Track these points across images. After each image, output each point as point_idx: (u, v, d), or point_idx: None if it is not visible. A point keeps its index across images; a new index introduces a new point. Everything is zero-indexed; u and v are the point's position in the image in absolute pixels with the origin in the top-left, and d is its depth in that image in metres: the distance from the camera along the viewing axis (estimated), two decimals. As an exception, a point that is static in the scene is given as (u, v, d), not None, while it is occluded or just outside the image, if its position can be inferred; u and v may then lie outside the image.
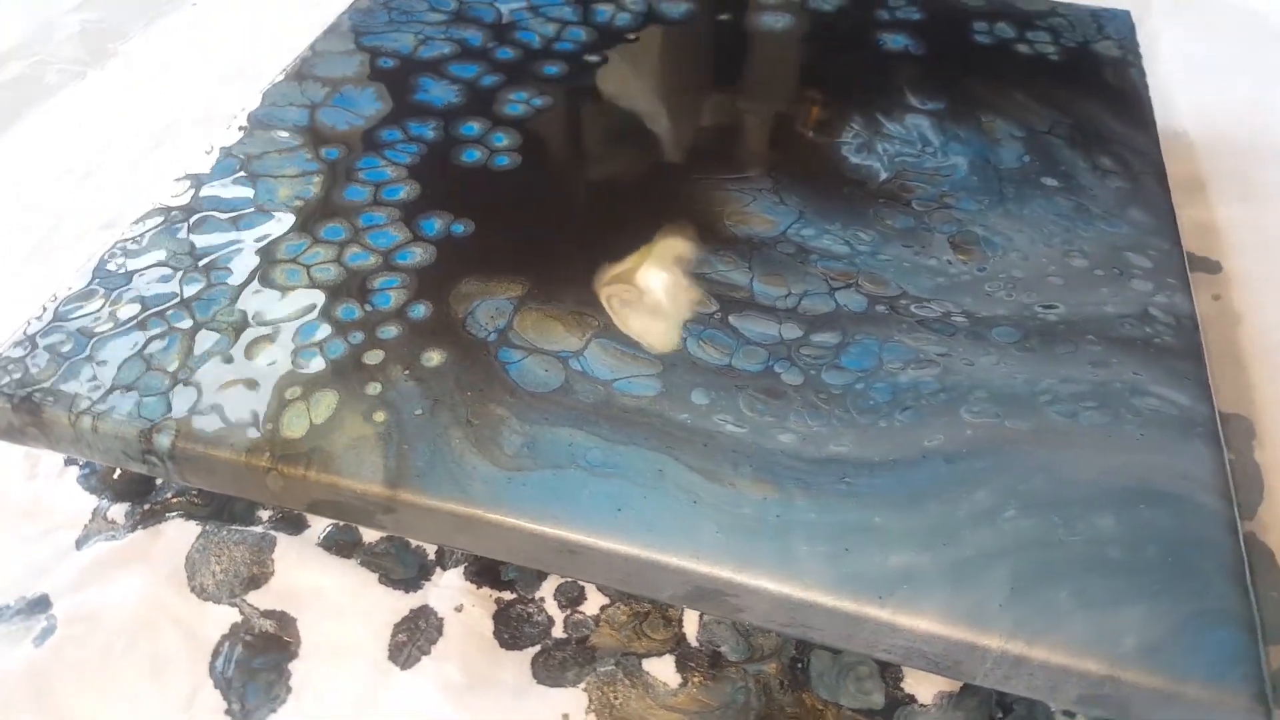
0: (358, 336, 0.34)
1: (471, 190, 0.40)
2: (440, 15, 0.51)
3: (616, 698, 0.31)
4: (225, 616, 0.33)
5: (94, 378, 0.32)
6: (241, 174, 0.40)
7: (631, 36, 0.50)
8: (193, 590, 0.34)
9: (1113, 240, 0.38)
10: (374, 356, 0.33)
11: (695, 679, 0.32)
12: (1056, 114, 0.45)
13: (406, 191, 0.40)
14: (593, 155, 0.44)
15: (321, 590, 0.34)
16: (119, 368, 0.32)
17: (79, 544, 0.35)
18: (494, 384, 0.32)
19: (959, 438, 0.30)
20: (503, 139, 0.43)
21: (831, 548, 0.27)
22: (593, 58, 0.48)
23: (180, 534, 0.35)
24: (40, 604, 0.33)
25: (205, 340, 0.33)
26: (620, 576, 0.29)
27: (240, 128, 0.43)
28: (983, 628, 0.26)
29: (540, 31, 0.50)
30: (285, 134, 0.43)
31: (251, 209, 0.39)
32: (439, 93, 0.45)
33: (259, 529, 0.35)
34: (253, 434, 0.30)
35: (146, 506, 0.36)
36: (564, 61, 0.48)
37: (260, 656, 0.32)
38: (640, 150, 0.44)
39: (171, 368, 0.32)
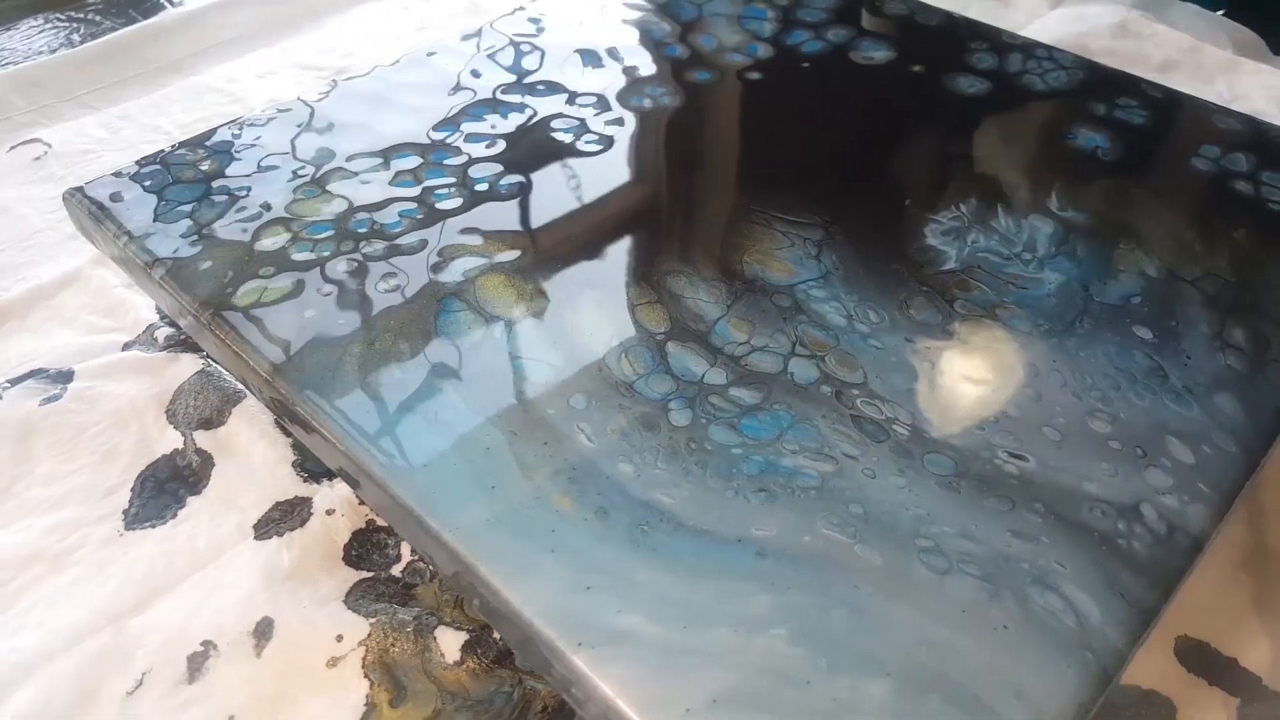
0: (349, 246, 0.39)
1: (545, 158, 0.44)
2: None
3: (394, 645, 0.33)
4: (174, 441, 0.41)
5: (146, 210, 0.41)
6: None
7: (805, 65, 0.51)
8: (165, 412, 0.42)
9: (1168, 420, 0.32)
10: (342, 266, 0.38)
11: (470, 664, 0.33)
12: (1223, 269, 0.38)
13: (486, 149, 0.45)
14: (672, 164, 0.46)
15: (249, 453, 0.40)
16: (163, 210, 0.41)
17: (124, 347, 0.45)
18: (418, 323, 0.36)
19: (791, 540, 0.29)
20: (603, 123, 0.46)
21: (578, 579, 0.28)
22: (752, 75, 0.50)
23: (188, 368, 0.44)
24: (64, 376, 0.43)
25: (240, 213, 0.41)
26: (395, 520, 0.31)
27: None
28: (660, 713, 0.25)
29: (722, 39, 0.53)
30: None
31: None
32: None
33: (237, 384, 0.42)
34: (208, 288, 0.37)
35: (182, 337, 0.45)
36: (718, 71, 0.50)
37: (173, 481, 0.39)
38: (717, 172, 0.45)
39: (203, 225, 0.40)
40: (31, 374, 0.43)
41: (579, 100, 0.48)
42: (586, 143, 0.45)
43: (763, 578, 0.28)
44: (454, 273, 0.38)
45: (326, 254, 0.39)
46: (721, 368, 0.34)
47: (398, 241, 0.39)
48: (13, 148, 0.57)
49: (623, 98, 0.48)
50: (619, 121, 0.46)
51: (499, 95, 0.48)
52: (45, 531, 0.37)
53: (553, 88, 0.49)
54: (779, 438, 0.32)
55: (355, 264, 0.38)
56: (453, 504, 0.30)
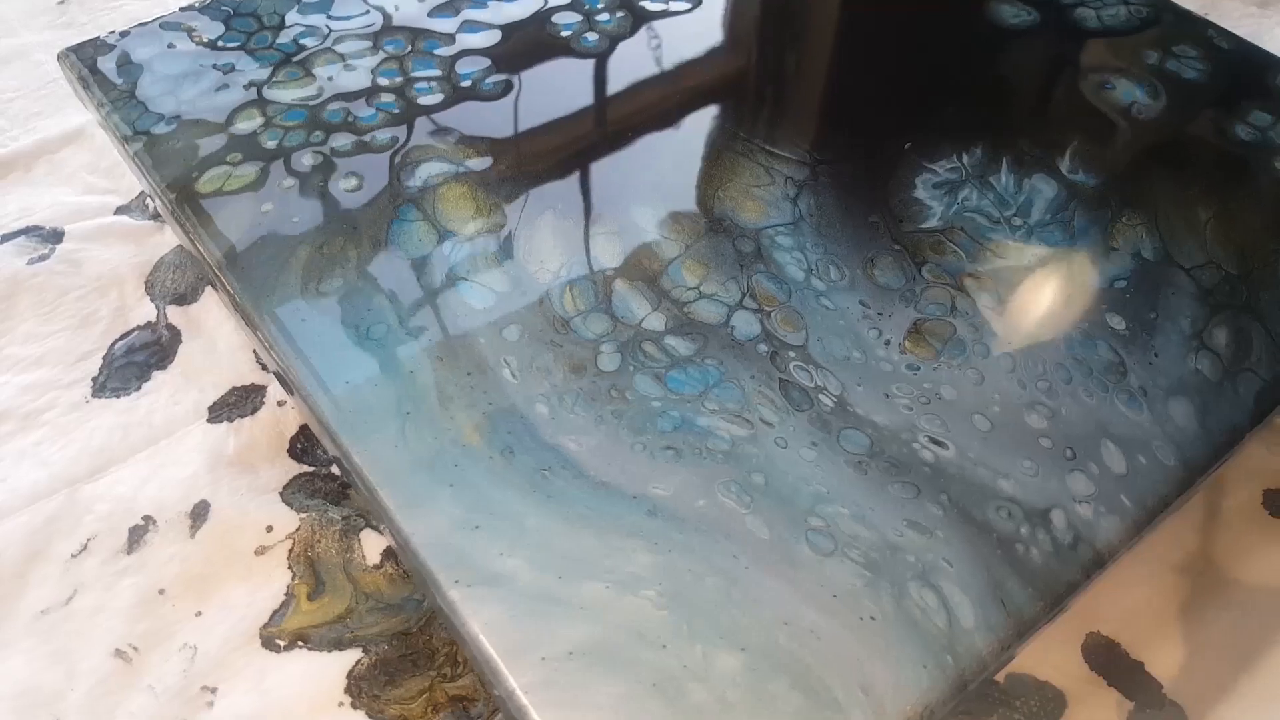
0: (319, 137, 0.40)
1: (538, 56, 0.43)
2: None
3: (319, 540, 0.36)
4: (148, 314, 0.43)
5: (130, 79, 0.42)
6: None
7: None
8: (144, 282, 0.44)
9: (1110, 422, 0.32)
10: (307, 159, 0.39)
11: (389, 569, 0.36)
12: (1228, 260, 0.37)
13: (479, 40, 0.44)
14: (671, 78, 0.44)
15: (215, 334, 0.42)
16: (147, 82, 0.42)
17: (116, 210, 0.47)
18: (371, 229, 0.37)
19: (685, 502, 0.30)
20: (611, 22, 0.45)
21: (469, 516, 0.29)
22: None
23: (171, 240, 0.45)
24: (54, 236, 0.45)
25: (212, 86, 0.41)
26: (317, 430, 0.33)
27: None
28: (516, 665, 0.27)
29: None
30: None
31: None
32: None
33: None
34: (176, 170, 0.38)
35: (170, 205, 0.47)
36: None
37: (143, 352, 0.42)
38: (714, 94, 0.43)
39: (183, 101, 0.41)
40: (25, 231, 0.45)
41: (586, -6, 0.46)
42: (585, 43, 0.44)
43: (648, 536, 0.29)
44: (418, 178, 0.38)
45: (294, 144, 0.39)
46: (663, 313, 0.34)
47: (367, 137, 0.40)
48: (36, -13, 0.58)
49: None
50: (627, 21, 0.45)
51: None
52: (19, 390, 0.40)
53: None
54: (702, 395, 0.32)
55: (320, 158, 0.39)
56: (367, 425, 0.31)
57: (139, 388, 0.40)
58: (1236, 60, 0.44)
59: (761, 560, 0.29)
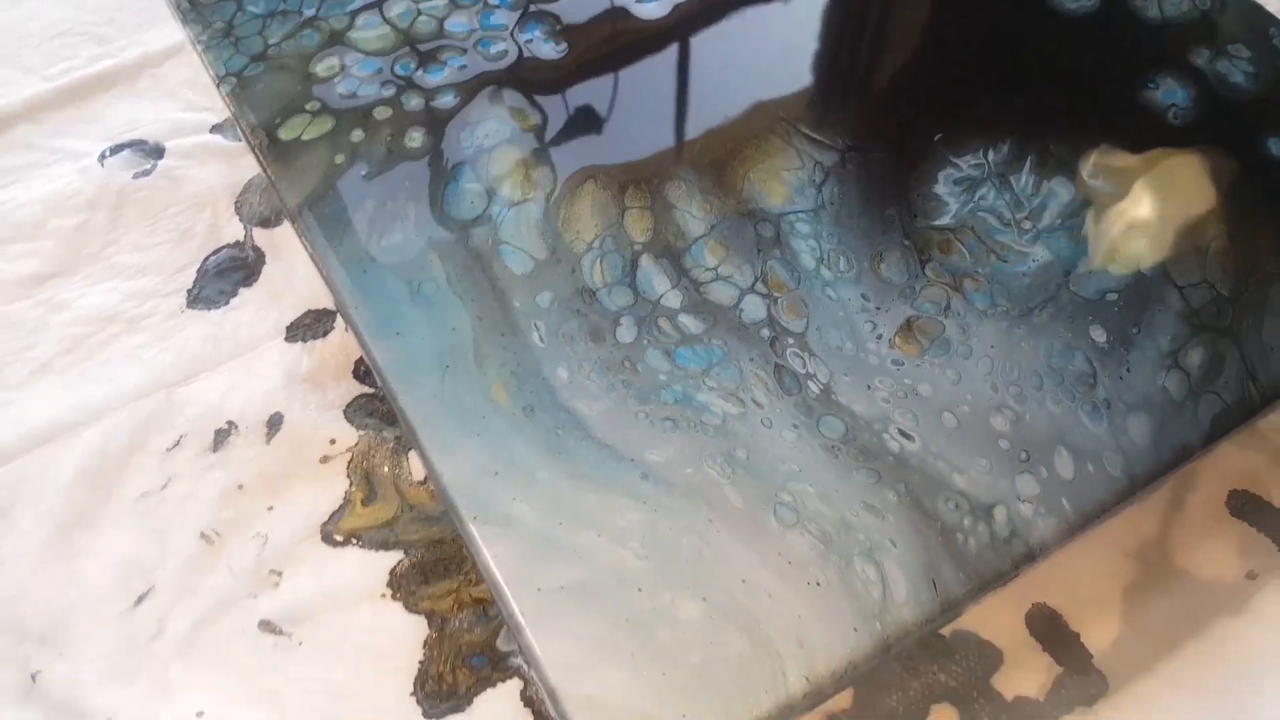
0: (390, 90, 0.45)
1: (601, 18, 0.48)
2: None
3: (374, 455, 0.44)
4: (237, 233, 0.50)
5: (224, 17, 0.47)
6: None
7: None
8: (234, 202, 0.51)
9: (1068, 431, 0.37)
10: (379, 113, 0.45)
11: (430, 487, 0.43)
12: (1224, 279, 0.40)
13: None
14: (728, 54, 0.48)
15: (294, 258, 0.49)
16: (240, 20, 0.47)
17: (212, 129, 0.54)
18: (429, 188, 0.42)
19: (675, 470, 0.36)
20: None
21: (490, 463, 0.36)
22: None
23: (259, 161, 0.52)
24: (156, 152, 0.52)
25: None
26: (372, 367, 0.40)
27: None
28: (518, 592, 0.34)
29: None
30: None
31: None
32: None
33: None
34: (263, 114, 0.44)
35: (258, 128, 0.53)
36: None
37: (232, 270, 0.49)
38: (762, 72, 0.47)
39: (269, 43, 0.47)
40: (131, 144, 0.52)
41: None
42: (645, 8, 0.48)
43: (638, 496, 0.35)
44: (476, 138, 0.44)
45: (369, 95, 0.45)
46: (681, 291, 0.40)
47: (435, 96, 0.45)
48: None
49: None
50: (682, -15, 0.49)
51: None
52: (126, 296, 0.48)
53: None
54: (704, 372, 0.38)
55: (390, 112, 0.44)
56: (413, 374, 0.38)
57: (227, 302, 0.48)
58: (1292, 63, 0.46)
59: (732, 526, 0.35)
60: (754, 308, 0.39)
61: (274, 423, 0.44)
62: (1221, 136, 0.44)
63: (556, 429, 0.37)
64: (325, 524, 0.42)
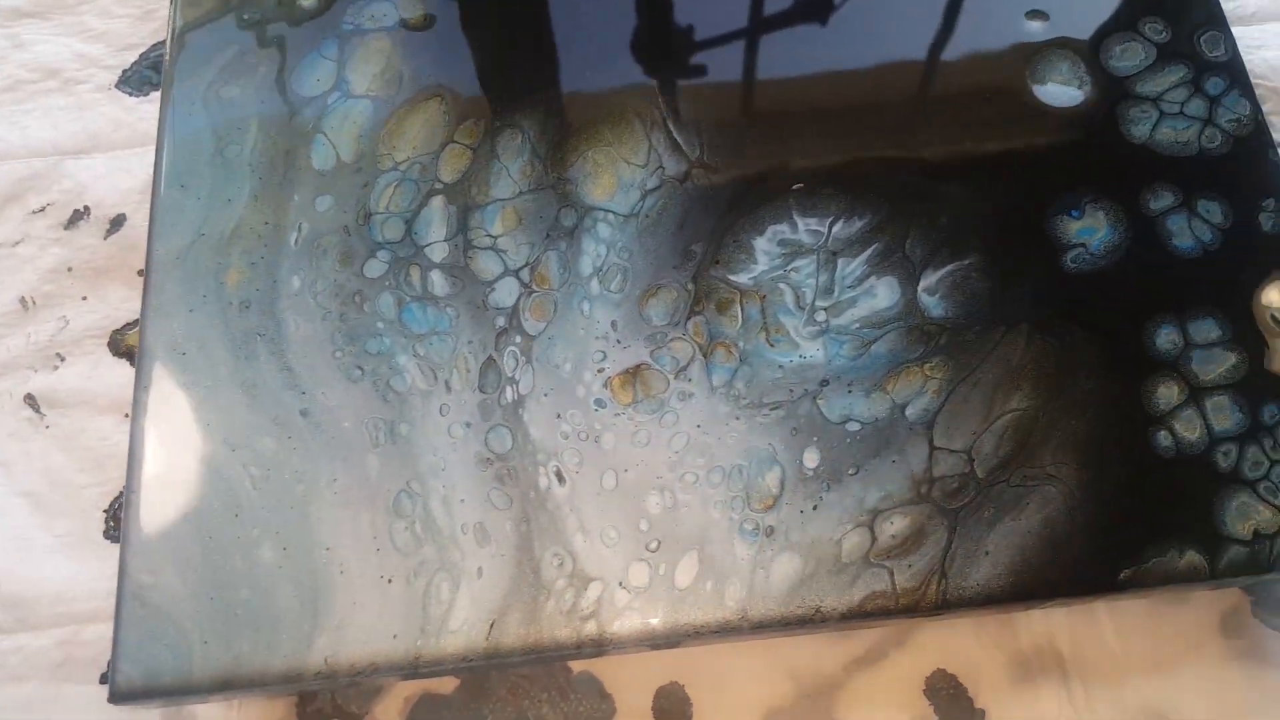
0: None
1: None
2: None
3: (181, 286, 0.46)
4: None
5: None
6: None
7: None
8: (197, -1, 0.52)
9: (710, 541, 0.34)
10: None
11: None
12: (991, 460, 0.35)
13: None
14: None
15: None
16: None
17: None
18: (290, 49, 0.42)
19: (335, 420, 0.36)
20: None
21: (187, 338, 0.37)
22: None
23: None
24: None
25: None
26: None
27: None
28: (151, 454, 0.36)
29: None
30: None
31: None
32: None
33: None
34: None
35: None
36: None
37: (160, 68, 0.51)
38: (663, 53, 0.43)
39: None
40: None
41: None
42: None
43: (287, 429, 0.36)
44: (361, 17, 0.43)
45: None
46: (450, 247, 0.39)
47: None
48: None
49: None
50: None
51: None
52: (74, 56, 0.51)
53: None
54: (420, 337, 0.37)
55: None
56: (172, 228, 0.39)
57: (147, 94, 0.50)
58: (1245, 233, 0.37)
59: (353, 493, 0.35)
60: (506, 293, 0.38)
61: (117, 223, 0.47)
62: (1102, 316, 0.37)
63: (258, 333, 0.37)
64: (116, 331, 0.45)
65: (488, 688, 0.39)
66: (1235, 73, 0.40)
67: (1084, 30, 0.41)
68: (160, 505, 0.35)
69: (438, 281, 0.38)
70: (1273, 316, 0.36)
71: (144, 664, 0.33)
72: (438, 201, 0.39)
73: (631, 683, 0.39)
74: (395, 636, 0.33)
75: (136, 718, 0.38)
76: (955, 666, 0.39)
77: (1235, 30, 0.43)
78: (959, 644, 0.39)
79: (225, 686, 0.33)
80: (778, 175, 0.39)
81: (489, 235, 0.39)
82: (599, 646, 0.33)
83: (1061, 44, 0.41)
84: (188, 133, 0.41)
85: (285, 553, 0.34)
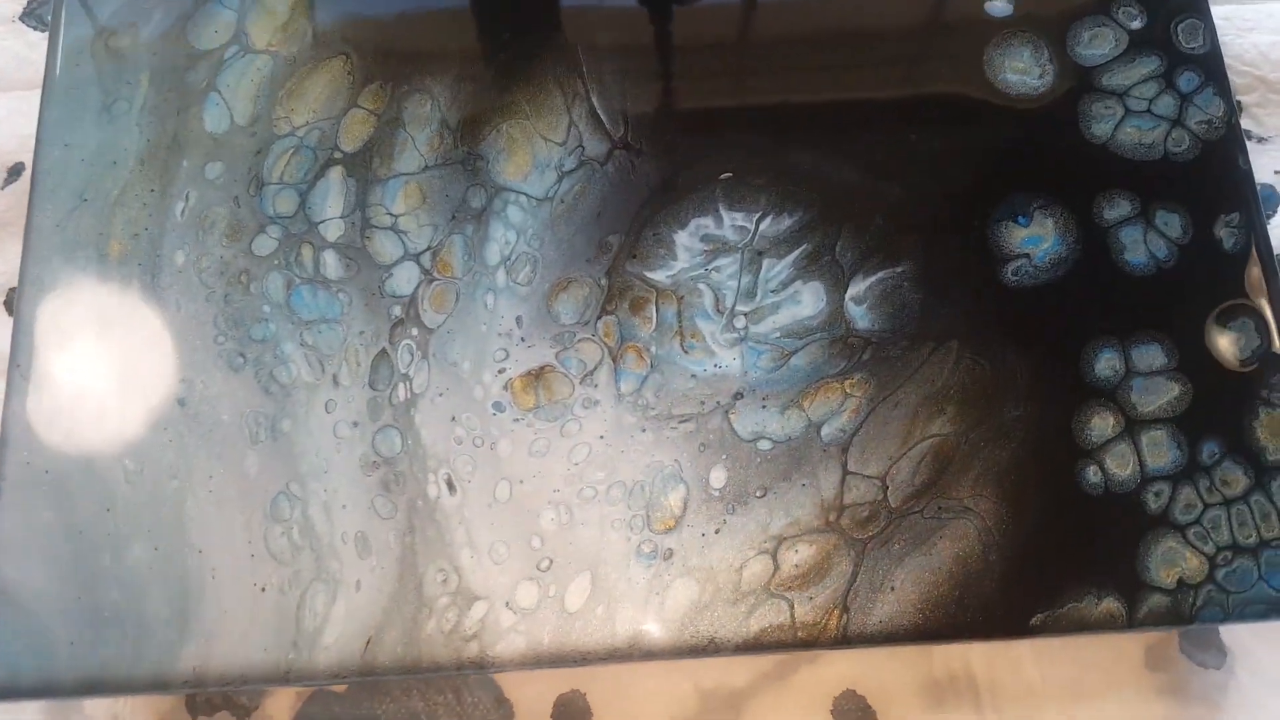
0: None
1: None
2: None
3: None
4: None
5: None
6: None
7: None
8: None
9: (608, 566, 0.32)
10: None
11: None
12: (908, 492, 0.33)
13: None
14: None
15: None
16: None
17: None
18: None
19: (215, 411, 0.34)
20: None
21: (68, 310, 0.35)
22: None
23: None
24: None
25: None
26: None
27: None
28: (31, 430, 0.34)
29: None
30: None
31: None
32: None
33: None
34: None
35: None
36: None
37: None
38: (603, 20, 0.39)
39: None
40: None
41: None
42: None
43: (164, 420, 0.34)
44: (264, -35, 0.39)
45: None
46: (347, 224, 0.36)
47: None
48: None
49: None
50: None
51: None
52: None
53: None
54: (309, 323, 0.35)
55: None
56: (54, 192, 0.36)
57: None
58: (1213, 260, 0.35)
59: (229, 492, 0.33)
60: (405, 279, 0.35)
61: (15, 171, 0.44)
62: (1041, 329, 0.34)
63: (138, 312, 0.35)
64: (14, 289, 0.42)
65: (381, 687, 0.37)
66: (1211, 67, 0.36)
67: (1051, 10, 0.37)
68: (29, 497, 0.33)
69: (331, 263, 0.35)
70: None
71: (6, 663, 0.31)
72: (336, 173, 0.36)
73: (530, 689, 0.38)
74: (265, 650, 0.32)
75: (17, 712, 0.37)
76: (866, 688, 0.37)
77: (1226, 9, 0.39)
78: (872, 664, 0.37)
79: (90, 690, 0.32)
80: (706, 162, 0.36)
81: (389, 214, 0.36)
82: (480, 668, 0.32)
83: (1025, 26, 0.37)
84: (74, 86, 0.37)
85: (157, 553, 0.33)
